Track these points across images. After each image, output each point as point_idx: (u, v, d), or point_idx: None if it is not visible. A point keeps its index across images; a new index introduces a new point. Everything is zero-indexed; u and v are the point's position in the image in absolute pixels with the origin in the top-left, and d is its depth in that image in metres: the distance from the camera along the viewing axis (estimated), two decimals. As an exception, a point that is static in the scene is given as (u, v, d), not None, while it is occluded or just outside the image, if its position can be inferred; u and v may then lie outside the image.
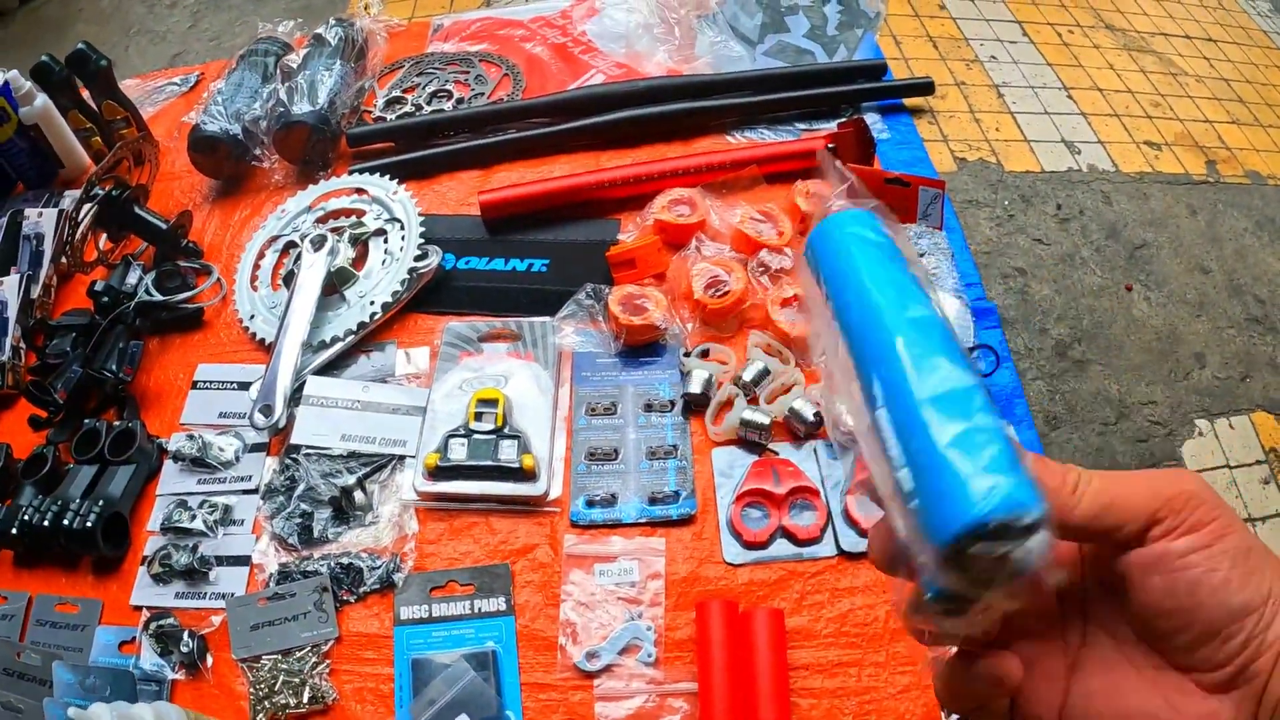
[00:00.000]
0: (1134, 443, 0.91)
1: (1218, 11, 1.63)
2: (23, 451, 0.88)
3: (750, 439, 0.80)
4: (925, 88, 1.13)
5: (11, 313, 0.98)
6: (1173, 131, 1.26)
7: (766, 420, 0.79)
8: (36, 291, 0.99)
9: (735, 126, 1.03)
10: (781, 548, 0.75)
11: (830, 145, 0.97)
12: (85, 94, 1.08)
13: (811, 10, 1.19)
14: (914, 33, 1.28)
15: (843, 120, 0.98)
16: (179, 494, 0.83)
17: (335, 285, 0.88)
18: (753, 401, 0.82)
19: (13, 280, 1.00)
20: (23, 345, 0.97)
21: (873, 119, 1.08)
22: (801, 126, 1.05)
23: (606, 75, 1.07)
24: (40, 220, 1.03)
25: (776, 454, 0.81)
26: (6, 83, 1.08)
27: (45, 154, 1.12)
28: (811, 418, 0.80)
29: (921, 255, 0.92)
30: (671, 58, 1.08)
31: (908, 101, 1.12)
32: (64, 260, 0.97)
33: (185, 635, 0.76)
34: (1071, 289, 1.00)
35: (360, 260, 0.90)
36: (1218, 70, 1.43)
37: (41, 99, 1.08)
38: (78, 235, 0.95)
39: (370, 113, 1.06)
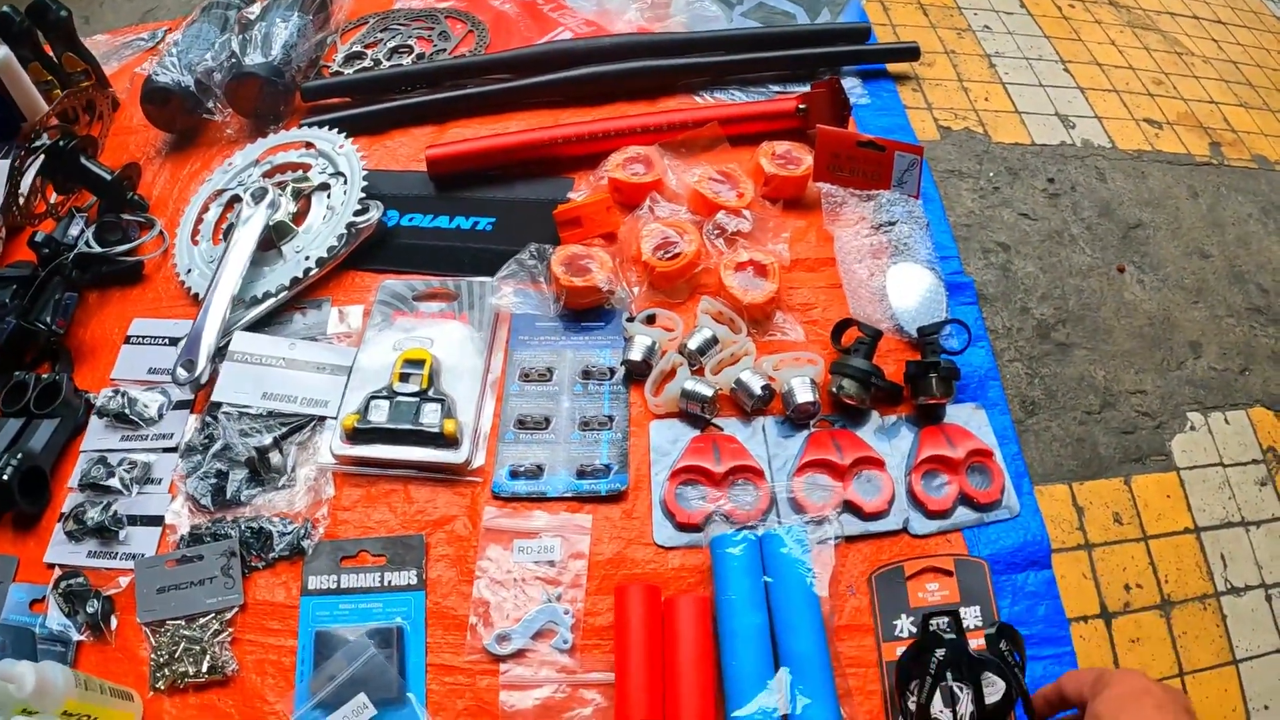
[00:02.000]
0: (1119, 434, 0.80)
1: None
2: (-42, 403, 0.81)
3: (692, 411, 0.71)
4: (910, 53, 1.03)
5: (-42, 266, 0.92)
6: (1175, 110, 1.14)
7: (710, 392, 0.70)
8: (-15, 242, 0.93)
9: (705, 87, 0.95)
10: (718, 528, 0.66)
11: (801, 106, 0.87)
12: (48, 48, 1.01)
13: None
14: None
15: (817, 80, 0.88)
16: (102, 450, 0.76)
17: (273, 240, 0.81)
18: (698, 372, 0.73)
19: (-40, 231, 0.93)
20: (-33, 299, 0.90)
21: (852, 84, 0.99)
22: (776, 89, 0.96)
23: (574, 33, 0.98)
24: (-7, 171, 0.96)
25: (720, 429, 0.71)
26: (-31, 35, 1.01)
27: (6, 105, 1.06)
28: (759, 391, 0.70)
29: (894, 223, 0.82)
30: (643, 15, 0.99)
31: (892, 68, 1.03)
32: (13, 212, 0.91)
33: (92, 596, 0.70)
34: (1058, 267, 0.89)
35: (301, 216, 0.83)
36: (1226, 52, 1.30)
37: (2, 50, 1.01)
38: (24, 186, 0.88)
39: (329, 68, 0.98)
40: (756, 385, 0.71)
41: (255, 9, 0.97)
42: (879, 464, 0.69)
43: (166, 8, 1.16)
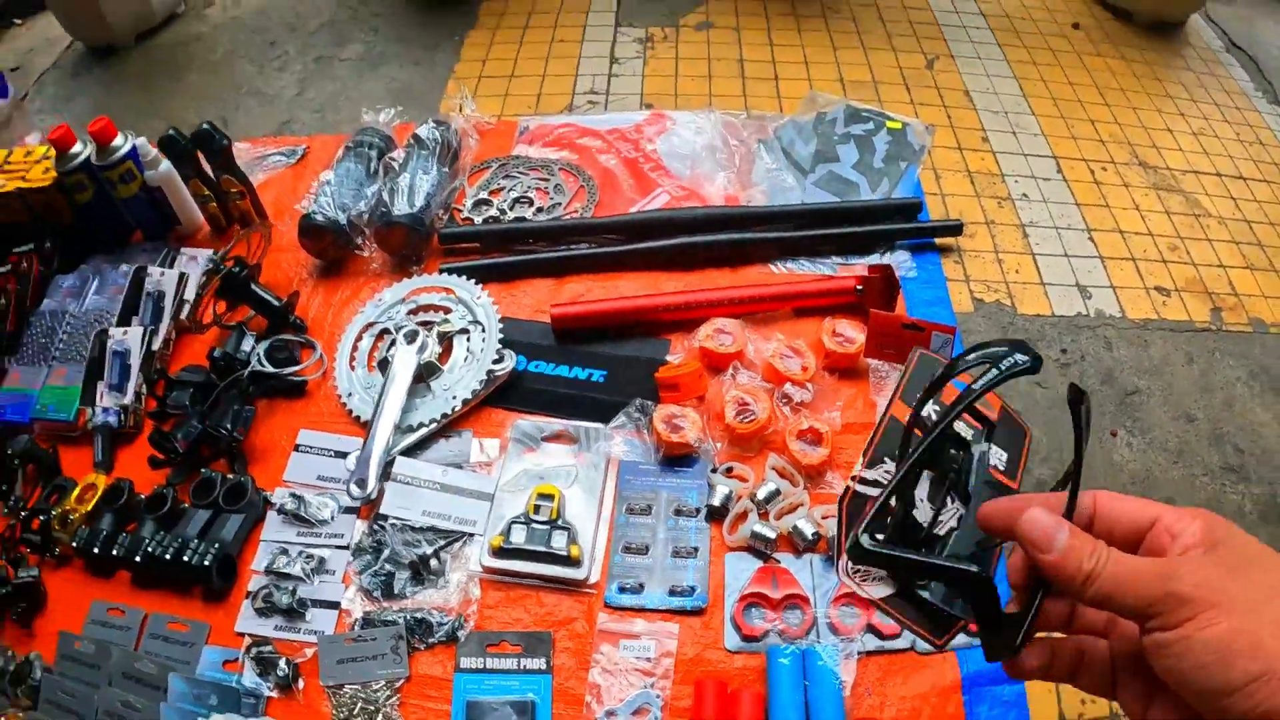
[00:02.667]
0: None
1: (1254, 146, 1.88)
2: (141, 485, 1.18)
3: (758, 549, 1.09)
4: (954, 229, 1.41)
5: (135, 361, 1.28)
6: (1184, 277, 1.52)
7: (773, 535, 1.08)
8: (158, 344, 1.29)
9: (779, 258, 1.31)
10: (773, 641, 1.04)
11: (859, 288, 1.25)
12: (206, 165, 1.38)
13: (863, 141, 1.48)
14: (954, 167, 1.53)
15: (872, 264, 1.27)
16: (280, 542, 1.13)
17: (423, 376, 1.17)
18: (764, 516, 1.10)
19: (136, 331, 1.30)
20: (144, 391, 1.27)
21: (903, 256, 1.36)
22: (838, 260, 1.33)
23: (671, 196, 1.36)
24: (162, 280, 1.33)
25: (779, 563, 1.09)
26: (135, 148, 1.38)
27: (164, 211, 1.42)
28: (810, 536, 1.08)
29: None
30: (730, 183, 1.37)
31: (939, 241, 1.40)
32: (184, 320, 1.28)
33: (282, 661, 1.06)
34: (1060, 432, 1.26)
35: (445, 354, 1.20)
36: (1242, 210, 1.67)
37: (165, 165, 1.38)
38: (200, 302, 1.25)
39: (460, 210, 1.36)
40: (808, 531, 1.09)
41: (398, 154, 1.33)
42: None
43: (301, 121, 1.52)
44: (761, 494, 1.10)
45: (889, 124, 1.43)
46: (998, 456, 0.75)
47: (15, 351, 1.40)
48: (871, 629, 1.05)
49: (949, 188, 1.50)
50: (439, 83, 1.96)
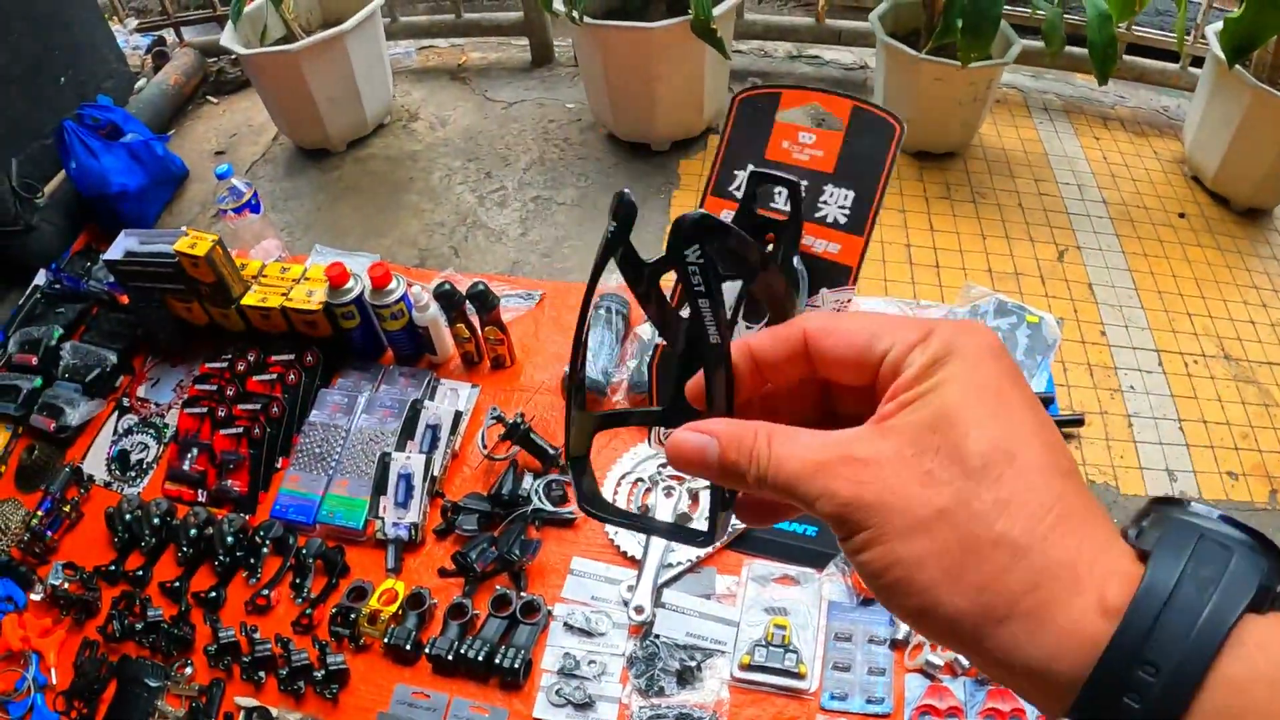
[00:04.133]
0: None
1: None
2: (431, 593, 1.62)
3: (928, 671, 1.62)
4: (1078, 422, 1.96)
5: (419, 483, 1.72)
6: (1251, 463, 2.08)
7: (940, 662, 1.61)
8: (437, 470, 1.73)
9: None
10: (944, 744, 1.58)
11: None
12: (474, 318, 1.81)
13: (1007, 336, 2.01)
14: (1078, 359, 2.04)
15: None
16: (564, 648, 1.59)
17: (678, 523, 1.66)
18: (933, 648, 1.64)
19: (419, 459, 1.73)
20: (427, 510, 1.71)
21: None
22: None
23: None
24: (438, 412, 1.76)
25: (943, 682, 1.63)
26: (407, 294, 1.80)
27: (423, 344, 1.85)
28: (967, 664, 1.62)
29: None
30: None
31: (1064, 429, 1.95)
32: (454, 449, 1.72)
33: (576, 743, 1.53)
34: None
35: (694, 504, 1.68)
36: (1307, 397, 2.25)
37: (434, 310, 1.81)
38: (483, 440, 1.70)
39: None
40: (967, 661, 1.63)
41: (645, 329, 1.80)
42: None
43: (530, 264, 1.93)
44: (932, 630, 1.64)
45: (1029, 318, 1.96)
46: (839, 201, 0.99)
47: (286, 454, 1.81)
48: (1007, 734, 1.60)
49: (1073, 380, 2.02)
50: (651, 241, 2.33)
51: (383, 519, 1.71)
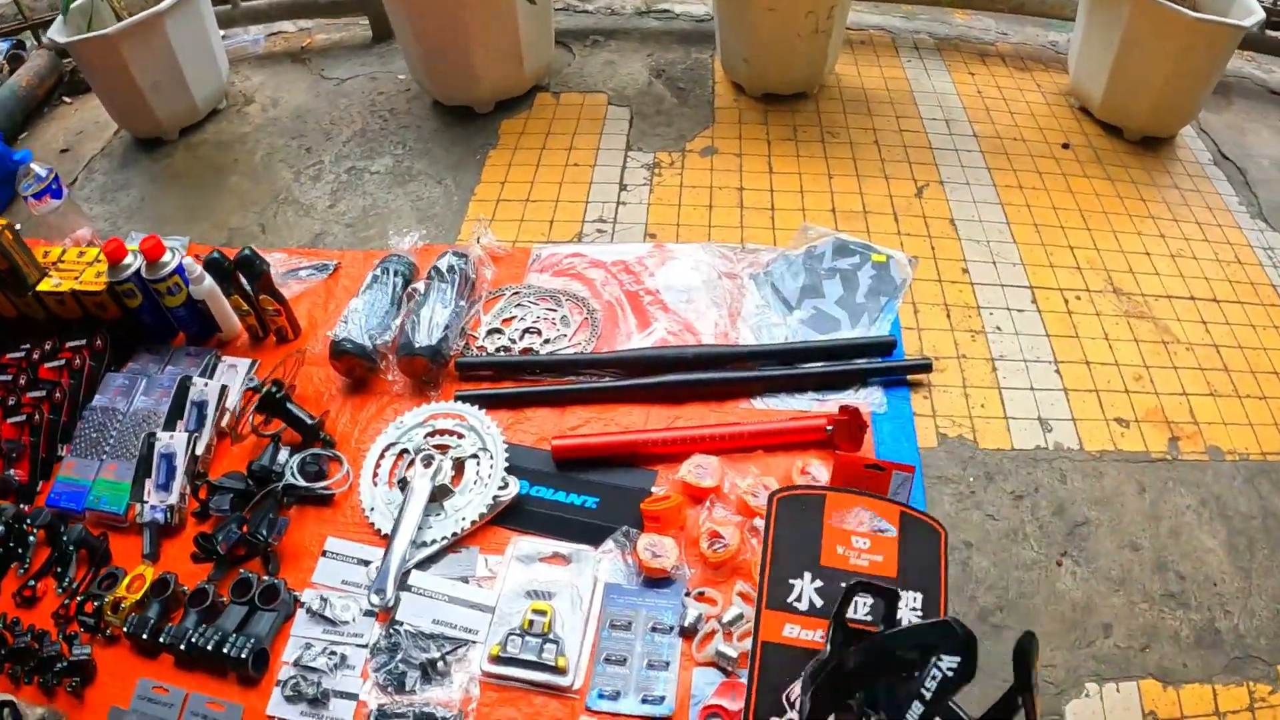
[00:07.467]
0: (1025, 697, 1.44)
1: (1231, 266, 2.14)
2: (185, 578, 1.47)
3: (721, 665, 1.36)
4: (924, 367, 1.68)
5: (180, 463, 1.57)
6: (1145, 406, 1.77)
7: (734, 654, 1.35)
8: (201, 449, 1.59)
9: (761, 394, 1.59)
10: (732, 752, 1.31)
11: (829, 427, 1.53)
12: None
13: (848, 276, 1.76)
14: (933, 299, 1.79)
15: (842, 405, 1.54)
16: (307, 637, 1.41)
17: (437, 496, 1.46)
18: (728, 637, 1.37)
19: (181, 437, 1.60)
20: (187, 491, 1.56)
21: (875, 393, 1.64)
22: (815, 396, 1.61)
23: (667, 330, 1.65)
24: (206, 390, 1.63)
25: (739, 678, 1.36)
26: (182, 265, 1.68)
27: (206, 320, 1.72)
28: (770, 657, 1.35)
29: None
30: (722, 320, 1.65)
31: (910, 377, 1.67)
32: (227, 431, 1.57)
33: (307, 745, 1.34)
34: (1007, 562, 1.51)
35: (458, 477, 1.48)
36: (1211, 335, 1.93)
37: (209, 282, 1.69)
38: (240, 415, 1.54)
39: (475, 336, 1.64)
40: (769, 652, 1.36)
41: (420, 285, 1.63)
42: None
43: (333, 235, 1.81)
44: (727, 617, 1.38)
45: (874, 257, 1.71)
46: (910, 604, 0.91)
47: (69, 441, 1.69)
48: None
49: (926, 322, 1.76)
50: (461, 204, 2.26)
51: (145, 503, 1.57)
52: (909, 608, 0.90)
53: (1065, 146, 2.61)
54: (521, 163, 2.47)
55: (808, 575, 0.86)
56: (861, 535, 0.87)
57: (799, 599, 0.87)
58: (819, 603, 0.83)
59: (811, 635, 0.82)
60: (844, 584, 0.79)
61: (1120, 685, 1.45)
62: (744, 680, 1.38)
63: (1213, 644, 1.47)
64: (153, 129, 3.03)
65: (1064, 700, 1.42)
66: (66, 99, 3.42)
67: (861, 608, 0.85)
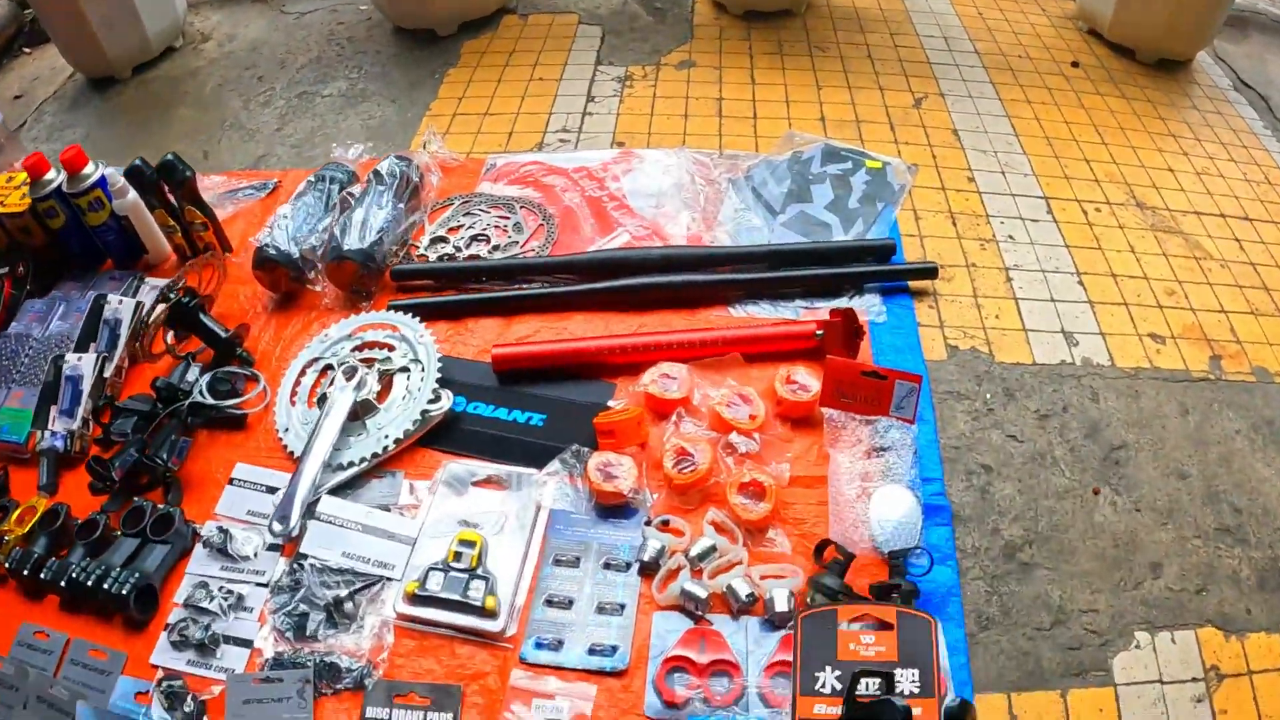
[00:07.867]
0: (1064, 650, 1.15)
1: (1261, 186, 1.89)
2: (81, 510, 1.27)
3: (689, 609, 1.11)
4: (929, 271, 1.44)
5: (86, 386, 1.40)
6: (1182, 323, 1.51)
7: (704, 594, 1.11)
8: (109, 371, 1.40)
9: (740, 300, 1.36)
10: (696, 710, 1.06)
11: (819, 332, 1.29)
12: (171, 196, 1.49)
13: (839, 180, 1.52)
14: (936, 207, 1.56)
15: (834, 309, 1.30)
16: (203, 575, 1.20)
17: (359, 414, 1.24)
18: (697, 574, 1.13)
19: (90, 358, 1.41)
20: (91, 418, 1.37)
21: (872, 300, 1.40)
22: (803, 304, 1.37)
23: (632, 235, 1.43)
24: (120, 307, 1.45)
25: (711, 624, 1.12)
26: (104, 177, 1.51)
27: (132, 240, 1.56)
28: (745, 597, 1.11)
29: (887, 449, 1.22)
30: (695, 223, 1.43)
31: (912, 284, 1.43)
32: (137, 349, 1.38)
33: (189, 698, 1.12)
34: (1035, 489, 1.26)
35: (385, 392, 1.27)
36: (1247, 253, 1.68)
37: (132, 195, 1.52)
38: (149, 331, 1.35)
39: (417, 247, 1.44)
40: (743, 592, 1.11)
41: (356, 189, 1.43)
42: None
43: (277, 156, 1.64)
44: (696, 550, 1.14)
45: (868, 163, 1.48)
46: (910, 678, 1.02)
47: (-21, 372, 1.52)
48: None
49: (929, 229, 1.53)
50: (414, 120, 2.10)
51: (47, 430, 1.39)
52: (909, 681, 1.04)
53: (1075, 65, 2.39)
54: (482, 79, 2.30)
55: (829, 668, 1.06)
56: (867, 633, 1.07)
57: (824, 685, 1.05)
58: (838, 686, 1.04)
59: (835, 711, 1.02)
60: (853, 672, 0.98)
61: (1175, 634, 1.18)
62: (718, 629, 1.14)
63: (1278, 586, 1.22)
64: (104, 68, 2.95)
65: (1110, 653, 1.17)
66: (26, 50, 3.40)
67: (871, 686, 0.98)
